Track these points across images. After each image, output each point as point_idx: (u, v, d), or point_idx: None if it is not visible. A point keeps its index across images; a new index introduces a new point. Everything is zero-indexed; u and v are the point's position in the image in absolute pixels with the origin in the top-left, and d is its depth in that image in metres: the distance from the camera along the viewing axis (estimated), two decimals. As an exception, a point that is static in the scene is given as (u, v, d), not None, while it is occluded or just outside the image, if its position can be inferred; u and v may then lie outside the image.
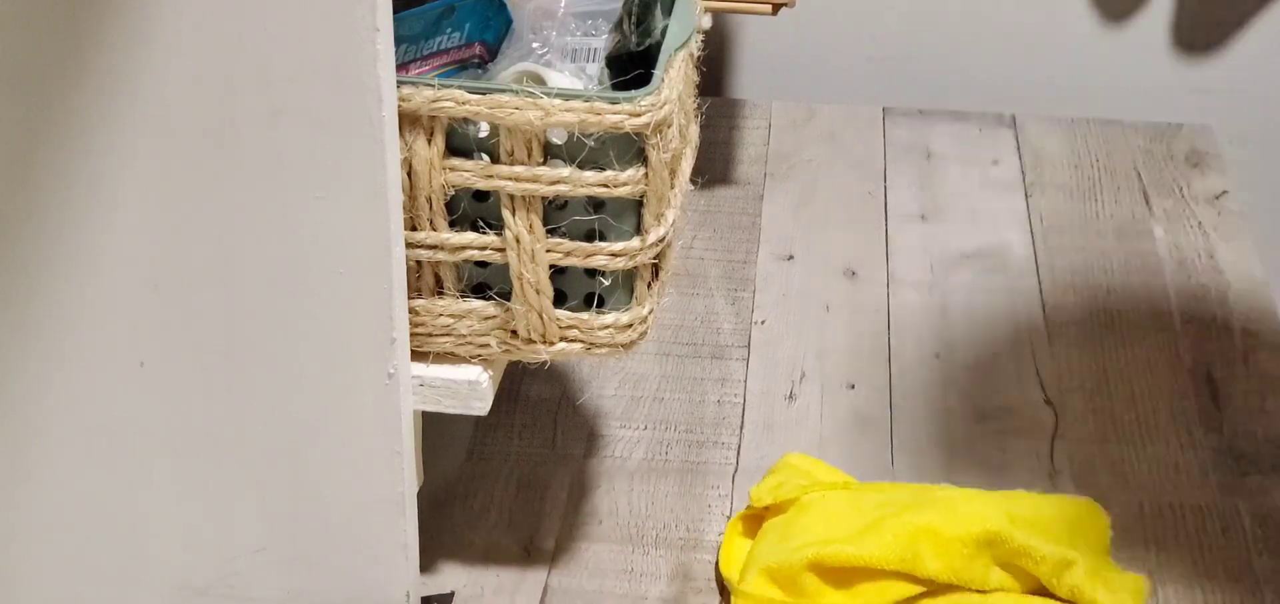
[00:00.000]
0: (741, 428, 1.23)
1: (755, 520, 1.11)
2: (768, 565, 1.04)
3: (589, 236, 0.92)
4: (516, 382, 1.26)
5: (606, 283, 0.94)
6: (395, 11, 0.85)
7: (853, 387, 1.27)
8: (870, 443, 1.21)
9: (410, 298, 0.94)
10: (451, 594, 1.06)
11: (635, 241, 0.93)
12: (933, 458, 1.20)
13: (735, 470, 1.18)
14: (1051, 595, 1.04)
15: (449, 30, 1.00)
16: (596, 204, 0.92)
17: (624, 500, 1.15)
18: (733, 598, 1.06)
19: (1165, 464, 1.20)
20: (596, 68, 0.97)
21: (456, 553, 1.10)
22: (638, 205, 0.92)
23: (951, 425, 1.23)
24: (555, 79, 0.94)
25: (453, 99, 0.89)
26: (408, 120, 0.89)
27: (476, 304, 0.95)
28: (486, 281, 0.95)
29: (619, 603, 1.08)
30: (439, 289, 0.95)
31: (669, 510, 1.14)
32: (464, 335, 0.95)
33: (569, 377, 1.27)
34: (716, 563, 1.10)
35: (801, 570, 1.03)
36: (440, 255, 0.93)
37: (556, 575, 1.09)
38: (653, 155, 0.91)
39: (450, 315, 0.95)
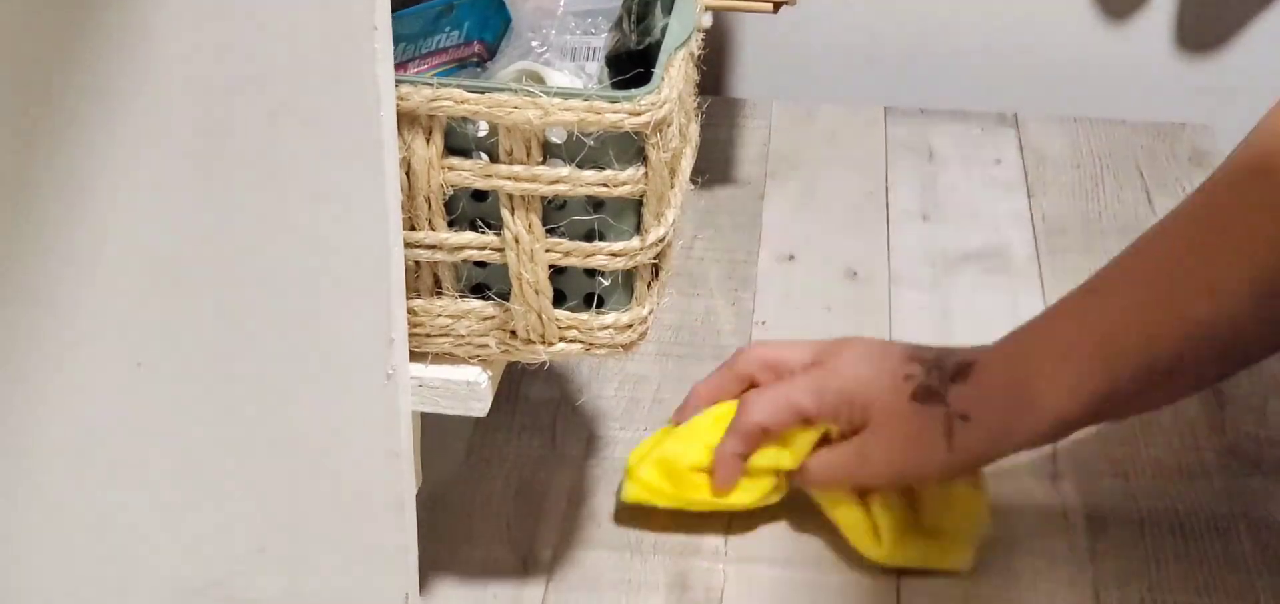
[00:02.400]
0: (742, 428, 1.22)
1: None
2: (661, 457, 1.11)
3: (589, 236, 0.92)
4: (516, 382, 1.25)
5: (606, 283, 0.94)
6: (394, 10, 0.84)
7: (853, 387, 1.27)
8: (871, 443, 1.21)
9: (409, 298, 0.93)
10: None
11: (635, 241, 0.93)
12: (934, 458, 1.20)
13: (735, 471, 1.18)
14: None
15: (448, 29, 0.99)
16: (596, 204, 0.92)
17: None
18: (625, 480, 1.12)
19: (1166, 465, 1.19)
20: (596, 66, 0.97)
21: (453, 554, 1.10)
22: (638, 205, 0.92)
23: (953, 426, 1.23)
24: (555, 78, 0.94)
25: (451, 98, 0.88)
26: (406, 119, 0.89)
27: (475, 304, 0.94)
28: (485, 282, 0.94)
29: (617, 611, 1.07)
30: (438, 289, 0.94)
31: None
32: (463, 336, 0.95)
33: (569, 377, 1.26)
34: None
35: (690, 471, 1.10)
36: (439, 255, 0.93)
37: (553, 586, 1.08)
38: (653, 155, 0.90)
39: (449, 316, 0.94)
